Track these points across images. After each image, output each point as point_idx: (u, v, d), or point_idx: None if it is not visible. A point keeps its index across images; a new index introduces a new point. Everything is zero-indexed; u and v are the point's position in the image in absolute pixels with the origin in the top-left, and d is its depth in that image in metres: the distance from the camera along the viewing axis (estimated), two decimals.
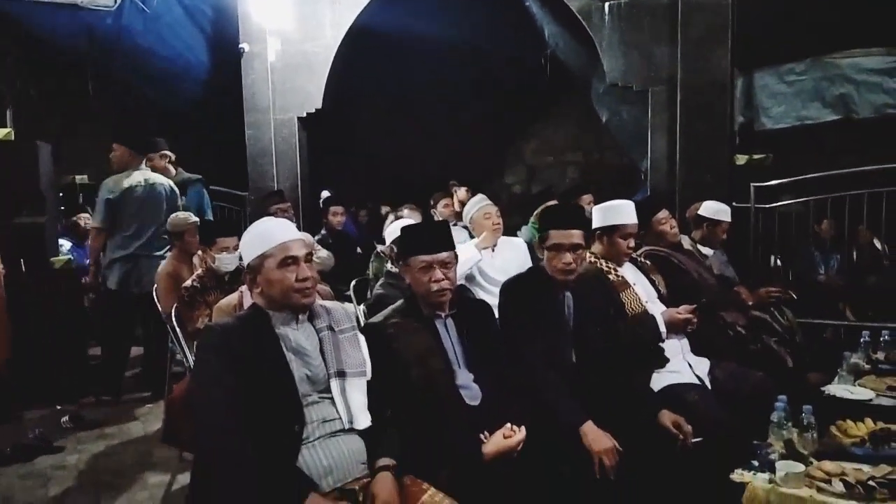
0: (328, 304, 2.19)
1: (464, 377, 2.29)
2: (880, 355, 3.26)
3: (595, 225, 3.08)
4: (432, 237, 2.34)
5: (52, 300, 4.77)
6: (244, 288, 2.84)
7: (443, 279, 2.27)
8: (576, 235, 2.59)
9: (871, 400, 2.75)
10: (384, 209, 5.96)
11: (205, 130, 7.25)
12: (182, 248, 4.10)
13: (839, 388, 2.86)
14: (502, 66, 7.72)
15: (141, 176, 4.78)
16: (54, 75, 6.69)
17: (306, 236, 4.53)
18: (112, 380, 4.94)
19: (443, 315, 2.35)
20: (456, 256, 2.36)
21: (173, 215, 4.23)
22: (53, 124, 6.72)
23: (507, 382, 2.32)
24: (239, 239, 3.28)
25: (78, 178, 7.30)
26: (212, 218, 5.03)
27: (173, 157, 5.29)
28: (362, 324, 2.49)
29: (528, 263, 3.79)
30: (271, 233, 2.03)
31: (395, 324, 2.31)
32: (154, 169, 4.94)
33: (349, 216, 6.12)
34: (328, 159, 6.79)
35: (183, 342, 3.52)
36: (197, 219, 4.22)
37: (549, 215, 2.76)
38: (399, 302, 2.43)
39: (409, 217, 4.50)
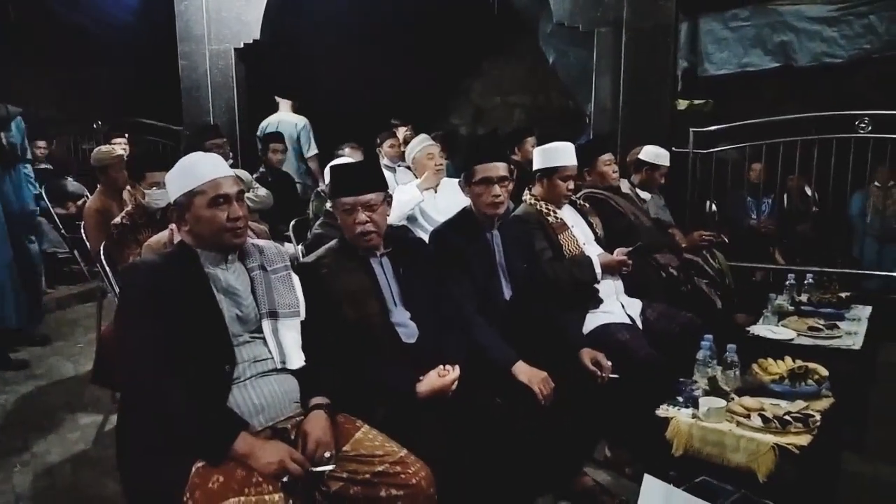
0: (261, 242, 2.13)
1: (400, 315, 2.28)
2: (804, 297, 3.41)
3: (535, 166, 3.09)
4: (356, 178, 2.29)
5: None
6: (175, 225, 2.75)
7: (366, 221, 2.23)
8: (501, 168, 2.61)
9: (792, 340, 2.89)
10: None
11: (135, 60, 6.92)
12: (108, 183, 3.93)
13: (763, 329, 2.99)
14: (450, 2, 7.54)
15: (275, 118, 5.95)
16: None
17: (244, 174, 4.43)
18: None
19: (378, 254, 2.32)
20: (386, 197, 2.32)
21: (96, 149, 4.04)
22: None
23: (442, 321, 2.33)
24: None
25: None
26: (29, 156, 4.65)
27: None
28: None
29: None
30: (201, 168, 1.94)
31: (328, 263, 2.28)
32: None
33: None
34: (268, 93, 6.56)
35: (113, 281, 3.41)
36: (122, 152, 4.04)
37: (473, 151, 2.75)
38: (333, 241, 2.39)
39: (350, 156, 4.43)
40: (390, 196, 2.36)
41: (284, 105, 6.14)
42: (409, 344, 2.26)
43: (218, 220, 1.90)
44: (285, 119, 5.99)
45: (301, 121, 6.02)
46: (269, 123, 6.00)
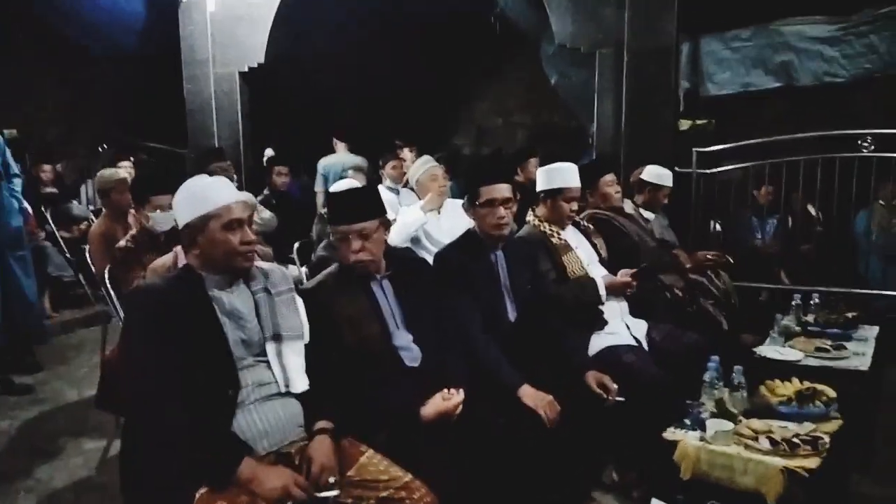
0: (266, 265, 2.14)
1: (402, 338, 2.28)
2: (810, 318, 3.39)
3: (539, 188, 3.09)
4: (351, 206, 2.27)
5: None
6: (179, 248, 2.76)
7: (359, 250, 2.21)
8: (505, 189, 2.62)
9: (799, 361, 2.87)
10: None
11: (140, 83, 6.98)
12: (111, 206, 3.95)
13: (770, 350, 2.97)
14: (453, 24, 7.63)
15: (336, 159, 6.39)
16: None
17: (248, 196, 4.44)
18: None
19: (378, 277, 2.32)
20: (382, 224, 2.29)
21: (100, 172, 4.06)
22: None
23: (445, 344, 2.33)
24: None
25: (6, 132, 6.95)
26: (16, 171, 4.52)
27: None
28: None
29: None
30: (215, 193, 1.94)
31: (328, 288, 2.28)
32: None
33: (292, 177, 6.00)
34: (271, 117, 6.62)
35: (118, 305, 3.41)
36: (126, 175, 4.07)
37: (476, 172, 2.76)
38: (333, 266, 2.39)
39: (353, 178, 4.43)
40: (388, 221, 2.34)
41: (341, 147, 6.56)
42: (413, 367, 2.25)
43: (231, 243, 1.91)
44: (348, 160, 6.20)
45: (362, 161, 6.21)
46: (331, 164, 6.26)
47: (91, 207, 6.51)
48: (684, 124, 5.80)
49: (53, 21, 6.35)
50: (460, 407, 2.14)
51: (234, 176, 5.13)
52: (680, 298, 3.42)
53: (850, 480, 2.65)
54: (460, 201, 4.03)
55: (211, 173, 4.13)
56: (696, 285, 3.65)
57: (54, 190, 6.26)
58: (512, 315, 2.66)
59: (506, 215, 2.60)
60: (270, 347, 1.97)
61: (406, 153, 5.95)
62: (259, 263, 2.12)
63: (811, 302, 3.53)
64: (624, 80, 4.99)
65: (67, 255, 5.77)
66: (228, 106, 6.02)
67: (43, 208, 5.90)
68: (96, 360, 4.43)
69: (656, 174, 3.97)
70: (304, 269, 3.70)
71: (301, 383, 1.96)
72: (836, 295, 4.10)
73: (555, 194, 3.02)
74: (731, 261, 3.97)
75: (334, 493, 1.78)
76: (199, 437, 1.72)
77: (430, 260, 3.14)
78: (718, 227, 5.35)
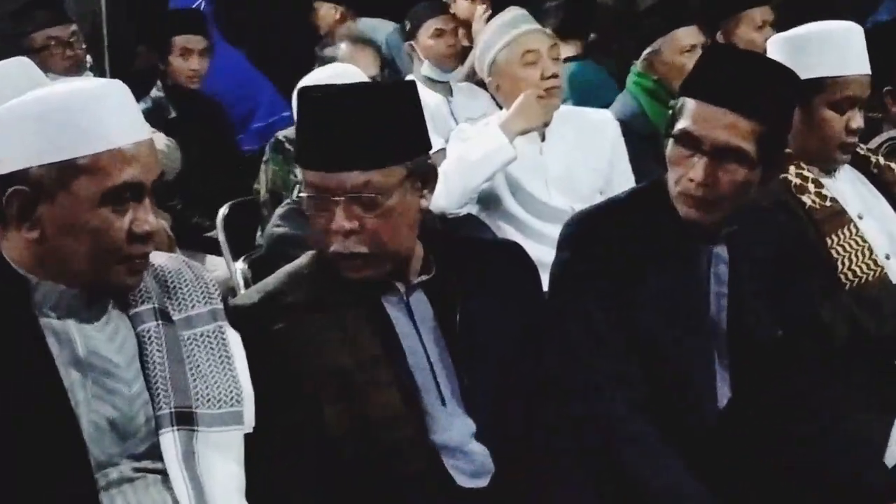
0: (162, 260, 2.21)
1: (453, 425, 2.31)
2: None
3: None
4: (332, 131, 2.20)
5: None
6: None
7: (349, 231, 2.18)
8: (732, 124, 2.51)
9: None
10: None
11: None
12: None
13: None
14: None
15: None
16: None
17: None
18: None
19: (401, 288, 2.34)
20: (415, 175, 2.26)
21: None
22: None
23: (548, 438, 2.37)
24: None
25: None
26: None
27: None
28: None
29: (625, 170, 3.85)
30: (89, 119, 1.92)
31: (293, 308, 2.31)
32: None
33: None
34: None
35: None
36: None
37: (697, 68, 2.71)
38: (304, 256, 2.45)
39: (350, 60, 4.45)
40: (427, 168, 2.33)
41: None
42: (473, 489, 2.29)
43: (113, 234, 1.94)
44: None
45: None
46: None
47: None
48: None
49: None
50: None
51: (85, 50, 5.26)
52: None
53: None
54: (591, 112, 4.08)
55: (39, 51, 4.26)
56: None
57: None
58: (724, 394, 2.67)
59: (704, 178, 2.49)
60: (169, 440, 2.02)
61: (464, 5, 5.97)
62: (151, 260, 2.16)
63: None
64: None
65: None
66: None
67: None
68: None
69: None
70: (241, 265, 3.75)
71: None
72: None
73: (811, 95, 2.99)
74: None
75: None
76: None
77: (519, 239, 3.17)
78: None
